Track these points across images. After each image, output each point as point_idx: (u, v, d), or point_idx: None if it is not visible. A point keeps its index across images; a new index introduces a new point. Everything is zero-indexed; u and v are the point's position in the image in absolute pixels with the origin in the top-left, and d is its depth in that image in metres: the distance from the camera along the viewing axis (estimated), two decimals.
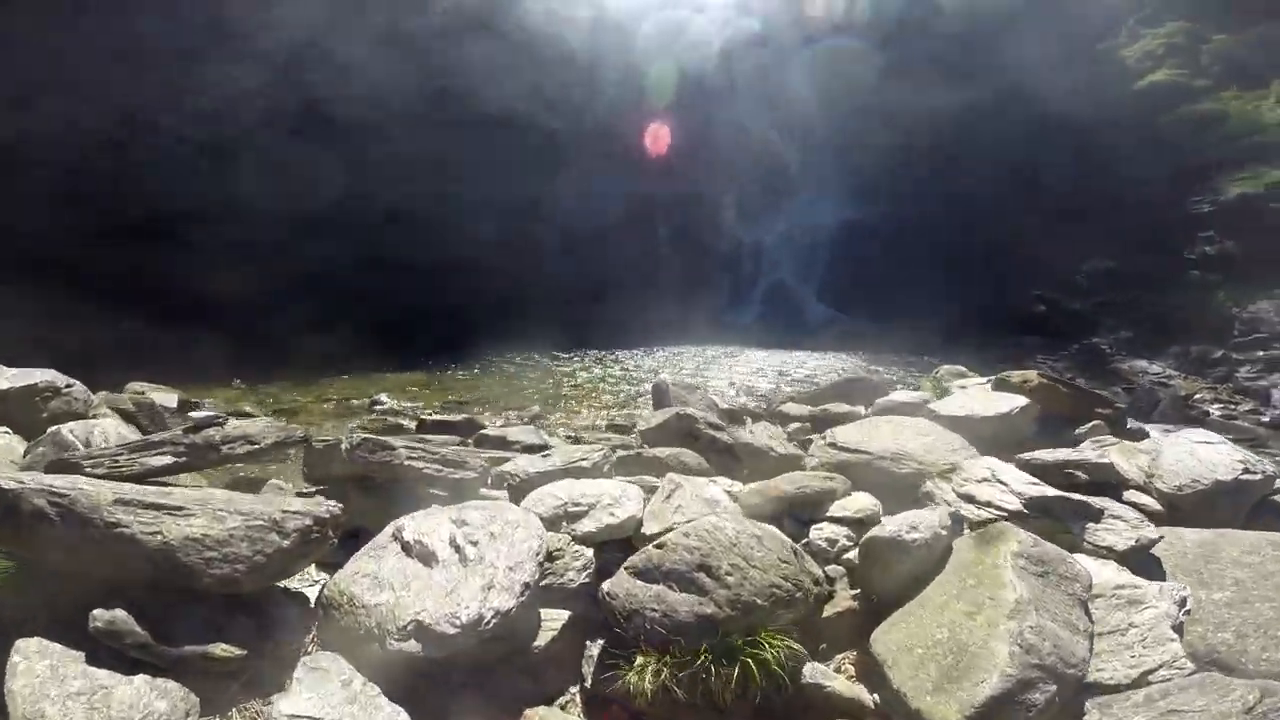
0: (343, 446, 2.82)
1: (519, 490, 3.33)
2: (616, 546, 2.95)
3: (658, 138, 16.23)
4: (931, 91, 17.85)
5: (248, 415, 5.84)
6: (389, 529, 2.55)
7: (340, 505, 2.40)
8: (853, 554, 2.89)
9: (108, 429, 3.39)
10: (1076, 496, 2.95)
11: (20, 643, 1.77)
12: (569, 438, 6.37)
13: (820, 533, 3.02)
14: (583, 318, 13.28)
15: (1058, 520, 2.85)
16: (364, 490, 3.03)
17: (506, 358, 10.31)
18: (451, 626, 2.02)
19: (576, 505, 3.09)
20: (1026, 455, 3.45)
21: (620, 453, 4.25)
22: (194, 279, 10.47)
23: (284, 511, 2.15)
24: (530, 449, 5.34)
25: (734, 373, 10.08)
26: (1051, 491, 2.98)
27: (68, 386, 3.78)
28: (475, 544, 2.34)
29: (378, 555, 2.38)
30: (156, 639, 1.85)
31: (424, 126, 13.71)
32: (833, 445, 3.78)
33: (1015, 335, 13.94)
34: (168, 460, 2.41)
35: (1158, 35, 17.87)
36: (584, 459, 3.47)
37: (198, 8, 11.71)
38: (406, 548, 2.39)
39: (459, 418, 6.06)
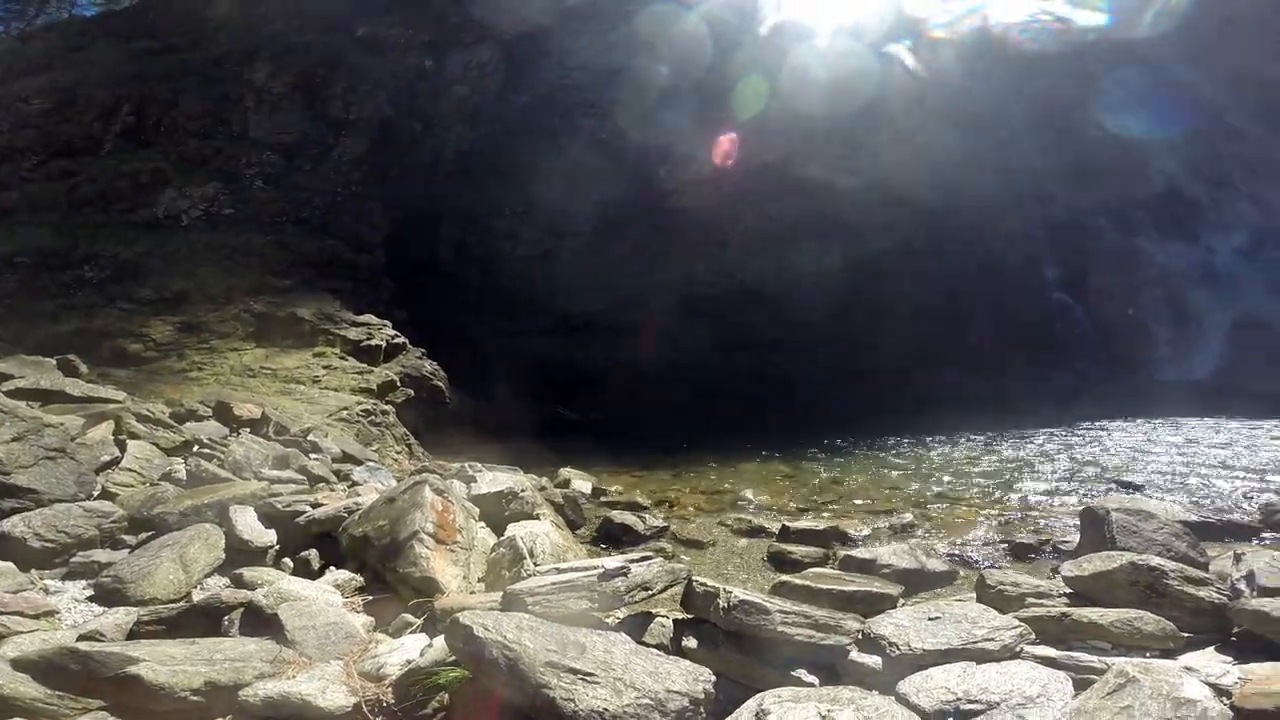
0: (720, 605, 2.92)
1: (897, 664, 2.95)
2: None
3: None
4: None
5: (639, 506, 6.70)
6: (752, 705, 2.50)
7: (714, 679, 2.46)
8: None
9: (545, 537, 4.27)
10: None
11: None
12: (950, 556, 5.60)
13: None
14: (953, 392, 11.80)
15: None
16: (731, 639, 3.09)
17: (864, 443, 9.71)
18: None
19: (972, 702, 2.57)
20: None
21: (1034, 607, 3.51)
22: (582, 365, 12.80)
23: (668, 691, 2.29)
24: (904, 577, 4.86)
25: (1190, 460, 7.59)
26: None
27: (522, 491, 4.86)
28: None
29: None
30: None
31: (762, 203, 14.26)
32: None
33: None
34: (585, 605, 2.86)
35: None
36: (989, 639, 2.91)
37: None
38: None
39: (822, 525, 5.88)
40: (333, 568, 3.74)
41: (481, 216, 14.51)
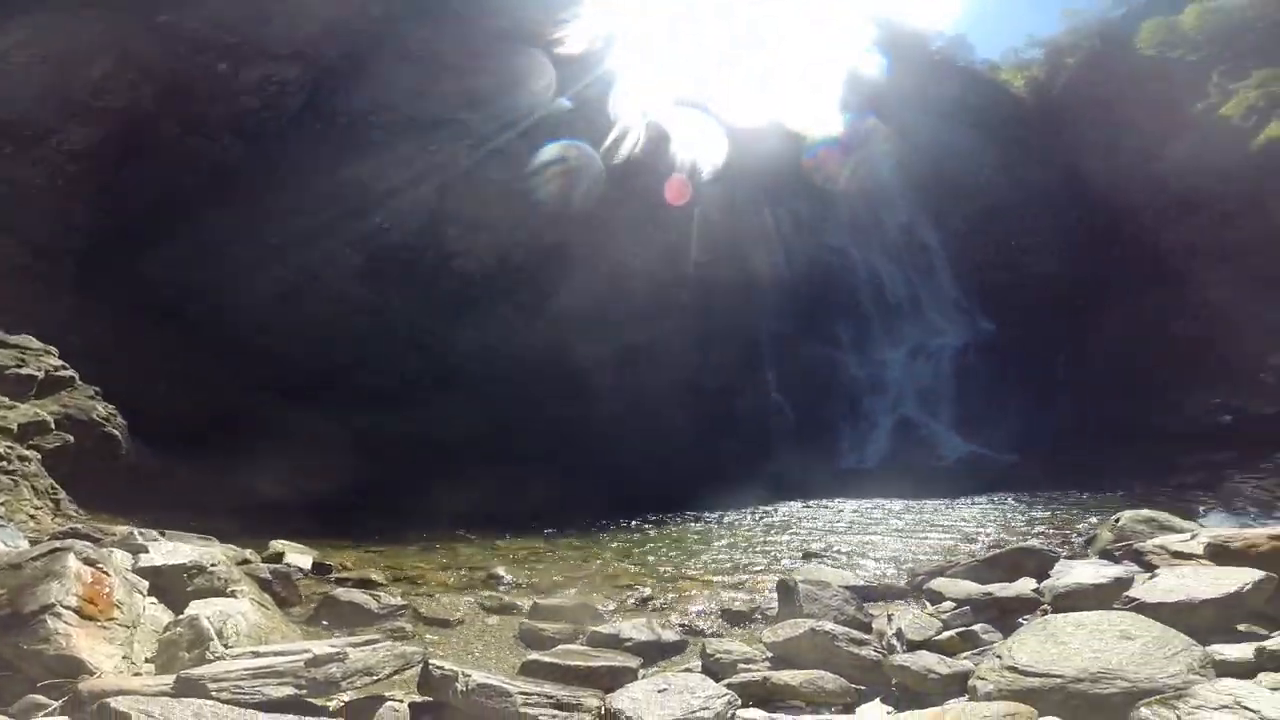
0: (459, 688, 2.73)
1: None
2: None
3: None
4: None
5: (373, 583, 6.01)
6: None
7: None
8: None
9: (241, 617, 3.63)
10: None
11: None
12: (682, 627, 5.95)
13: None
14: (692, 476, 12.94)
15: None
16: None
17: (614, 523, 10.13)
18: None
19: None
20: None
21: (744, 674, 3.87)
22: (335, 431, 11.48)
23: None
24: (643, 649, 5.06)
25: (865, 533, 9.23)
26: None
27: (212, 565, 4.10)
28: None
29: None
30: None
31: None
32: (1012, 669, 3.17)
33: (1200, 453, 12.04)
34: (289, 692, 2.44)
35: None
36: (705, 708, 3.14)
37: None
38: None
39: (572, 602, 5.92)
40: None
41: (224, 242, 12.39)
